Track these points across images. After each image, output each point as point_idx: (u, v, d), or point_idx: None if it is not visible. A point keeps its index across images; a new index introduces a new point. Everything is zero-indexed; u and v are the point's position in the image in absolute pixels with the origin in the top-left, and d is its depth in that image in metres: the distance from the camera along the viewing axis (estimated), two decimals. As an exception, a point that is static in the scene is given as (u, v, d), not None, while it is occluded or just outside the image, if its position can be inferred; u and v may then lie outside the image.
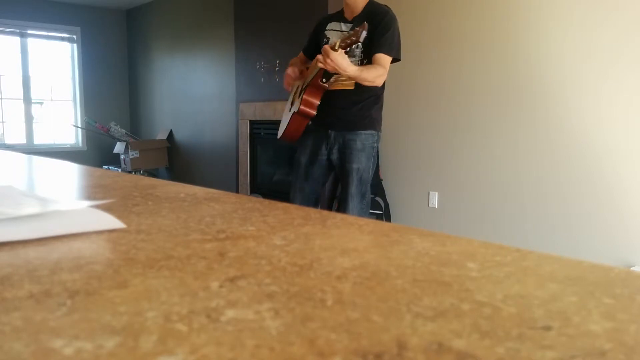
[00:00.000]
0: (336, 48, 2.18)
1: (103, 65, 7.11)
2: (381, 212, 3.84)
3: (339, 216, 0.56)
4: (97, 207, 0.56)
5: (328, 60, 2.19)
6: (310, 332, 0.25)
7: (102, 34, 7.09)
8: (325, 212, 0.58)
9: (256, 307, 0.29)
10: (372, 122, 2.47)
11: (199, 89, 6.00)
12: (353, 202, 2.46)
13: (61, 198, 0.67)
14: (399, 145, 3.88)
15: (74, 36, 6.91)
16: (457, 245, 0.44)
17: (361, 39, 2.21)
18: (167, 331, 0.25)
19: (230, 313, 0.28)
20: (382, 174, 3.96)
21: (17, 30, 6.52)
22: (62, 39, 6.87)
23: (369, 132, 2.46)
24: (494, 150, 3.34)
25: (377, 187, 3.90)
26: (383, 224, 0.52)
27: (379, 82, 2.36)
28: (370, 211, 3.82)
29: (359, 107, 2.44)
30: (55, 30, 6.77)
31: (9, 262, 0.37)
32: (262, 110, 4.92)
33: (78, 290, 0.31)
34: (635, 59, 2.72)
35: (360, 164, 2.46)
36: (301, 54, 2.68)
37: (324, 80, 2.38)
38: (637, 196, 2.74)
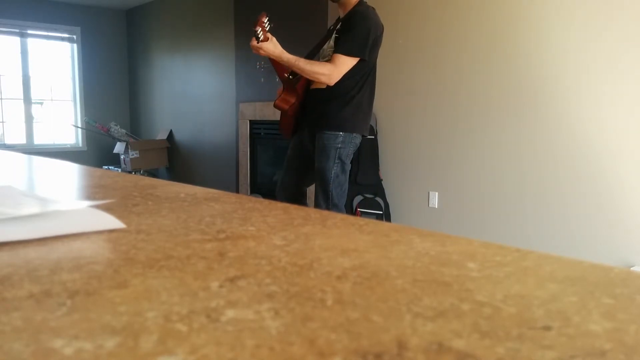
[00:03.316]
0: (257, 38, 2.34)
1: (103, 65, 7.11)
2: (381, 212, 3.84)
3: (339, 216, 0.56)
4: (97, 207, 0.56)
5: (260, 51, 2.35)
6: (310, 332, 0.25)
7: (102, 34, 7.09)
8: (326, 212, 0.58)
9: (256, 307, 0.29)
10: (339, 122, 2.44)
11: (199, 89, 6.00)
12: (318, 200, 2.50)
13: (61, 198, 0.67)
14: (399, 145, 3.88)
15: (74, 36, 6.91)
16: (457, 245, 0.44)
17: (258, 25, 2.34)
18: (167, 331, 0.25)
19: (230, 313, 0.28)
20: (382, 174, 3.96)
21: (17, 30, 6.52)
22: (62, 39, 6.87)
23: (333, 132, 2.44)
24: (494, 150, 3.34)
25: (377, 187, 3.90)
26: (383, 224, 0.52)
27: (322, 80, 2.39)
28: (370, 211, 3.82)
29: (326, 107, 2.45)
30: (55, 30, 6.77)
31: (9, 262, 0.37)
32: (262, 110, 4.92)
33: (78, 290, 0.31)
34: (636, 60, 2.72)
35: (320, 163, 2.48)
36: None
37: (291, 76, 2.50)
38: (637, 196, 2.74)
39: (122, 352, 0.23)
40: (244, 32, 5.07)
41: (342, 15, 2.52)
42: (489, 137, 3.35)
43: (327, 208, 2.51)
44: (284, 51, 2.38)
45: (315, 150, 2.51)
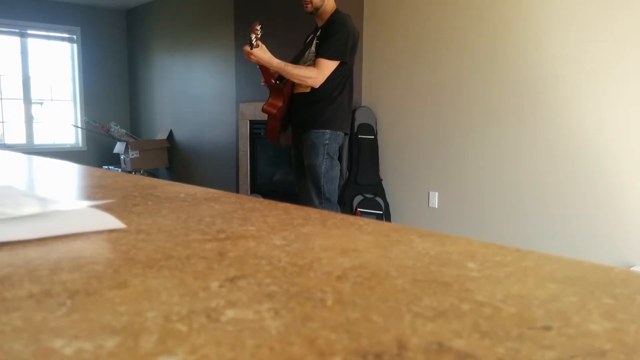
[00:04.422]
0: (251, 44, 2.52)
1: (103, 65, 7.11)
2: (381, 212, 3.84)
3: (339, 216, 0.56)
4: (97, 207, 0.56)
5: (251, 57, 2.53)
6: (310, 332, 0.25)
7: (102, 34, 7.08)
8: (326, 212, 0.58)
9: (256, 307, 0.29)
10: (325, 122, 2.65)
11: (199, 89, 5.99)
12: (311, 196, 2.70)
13: (61, 198, 0.67)
14: (399, 145, 3.88)
15: (74, 36, 6.90)
16: (457, 245, 0.44)
17: (252, 32, 2.52)
18: (167, 331, 0.25)
19: (230, 313, 0.28)
20: (382, 174, 3.96)
21: (17, 30, 6.52)
22: (62, 39, 6.87)
23: (320, 130, 2.65)
24: (494, 150, 3.34)
25: (377, 187, 3.90)
26: (383, 224, 0.52)
27: (309, 83, 2.60)
28: (370, 211, 3.82)
29: (312, 108, 2.66)
30: (55, 30, 6.77)
31: (9, 262, 0.37)
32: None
33: (78, 290, 0.31)
34: (636, 60, 2.72)
35: (310, 161, 2.68)
36: None
37: (277, 82, 2.71)
38: (637, 196, 2.74)
39: (122, 352, 0.23)
40: (244, 32, 5.07)
41: (320, 24, 2.73)
42: (489, 137, 3.35)
43: (320, 203, 2.69)
44: (273, 57, 2.57)
45: (304, 149, 2.71)
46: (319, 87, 2.61)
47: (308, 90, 2.65)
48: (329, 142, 2.66)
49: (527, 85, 3.15)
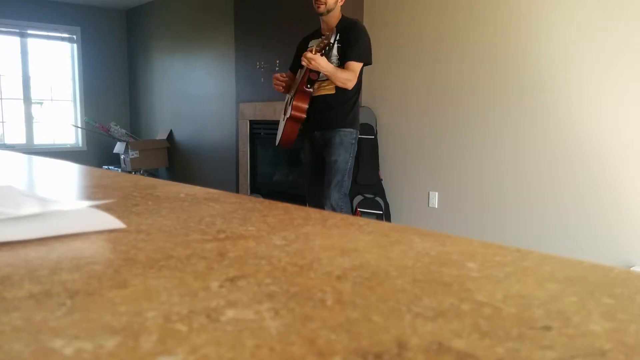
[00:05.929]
0: (314, 52, 2.61)
1: (103, 65, 7.11)
2: (381, 212, 3.84)
3: (338, 216, 0.56)
4: (97, 207, 0.56)
5: (312, 62, 2.60)
6: (310, 332, 0.25)
7: (102, 34, 7.08)
8: (326, 212, 0.58)
9: (256, 307, 0.29)
10: (351, 121, 2.83)
11: (199, 89, 5.99)
12: (330, 191, 2.83)
13: (61, 198, 0.67)
14: (399, 145, 3.88)
15: (74, 36, 6.90)
16: (457, 245, 0.44)
17: (332, 41, 2.68)
18: (167, 331, 0.25)
19: (230, 313, 0.28)
20: (382, 174, 3.96)
21: (17, 30, 6.52)
22: (62, 39, 6.87)
23: (347, 129, 2.82)
24: (494, 150, 3.34)
25: (377, 187, 3.90)
26: (383, 224, 0.52)
27: (349, 85, 2.73)
28: (370, 211, 3.83)
29: (340, 109, 2.82)
30: (55, 30, 6.76)
31: (9, 262, 0.37)
32: (262, 110, 4.92)
33: (78, 290, 0.31)
34: (636, 60, 2.72)
35: (337, 157, 2.82)
36: (289, 72, 3.06)
37: (308, 86, 2.81)
38: (637, 196, 2.74)
39: (122, 352, 0.23)
40: (244, 32, 5.07)
41: (325, 28, 2.83)
42: (489, 137, 3.35)
43: (340, 198, 2.83)
44: (329, 63, 2.68)
45: (331, 146, 2.82)
46: (339, 85, 2.73)
47: (332, 92, 2.77)
48: (354, 141, 2.85)
49: (528, 85, 3.15)
